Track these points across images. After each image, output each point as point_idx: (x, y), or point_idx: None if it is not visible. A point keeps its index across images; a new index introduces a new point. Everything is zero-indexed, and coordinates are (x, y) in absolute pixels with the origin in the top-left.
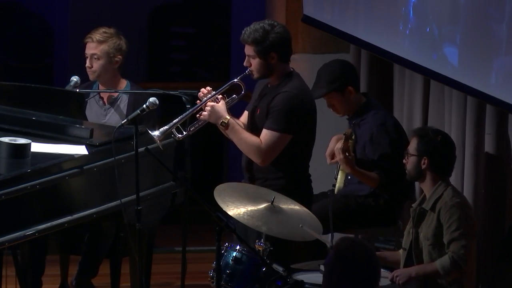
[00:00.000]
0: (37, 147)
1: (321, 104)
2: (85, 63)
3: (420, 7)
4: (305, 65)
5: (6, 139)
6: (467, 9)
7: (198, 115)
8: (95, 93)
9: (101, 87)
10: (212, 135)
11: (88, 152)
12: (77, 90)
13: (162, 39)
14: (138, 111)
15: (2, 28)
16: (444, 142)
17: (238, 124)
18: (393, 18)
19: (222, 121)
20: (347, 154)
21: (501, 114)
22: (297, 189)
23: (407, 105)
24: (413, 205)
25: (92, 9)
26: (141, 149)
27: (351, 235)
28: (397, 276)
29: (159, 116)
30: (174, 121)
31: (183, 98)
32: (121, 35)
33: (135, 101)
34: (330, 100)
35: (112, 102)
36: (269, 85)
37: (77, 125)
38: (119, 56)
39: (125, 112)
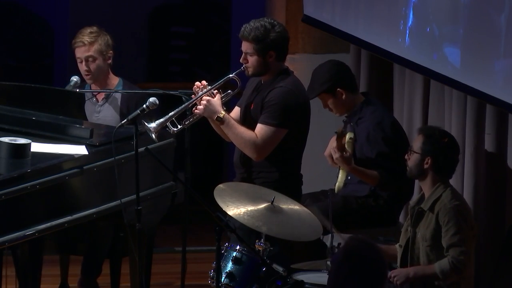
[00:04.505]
0: (37, 147)
1: (320, 105)
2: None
3: (420, 7)
4: (305, 65)
5: (6, 139)
6: (467, 9)
7: (193, 109)
8: (92, 95)
9: (93, 86)
10: (212, 135)
11: (88, 152)
12: (77, 90)
13: (162, 39)
14: (138, 111)
15: (2, 28)
16: (450, 145)
17: (234, 119)
18: (393, 18)
19: (218, 116)
20: (344, 152)
21: (501, 114)
22: (289, 184)
23: (407, 105)
24: (410, 202)
25: (92, 9)
26: (141, 149)
27: (351, 235)
28: (394, 276)
29: (159, 116)
30: (170, 114)
31: (183, 98)
32: (104, 30)
33: (129, 97)
34: (323, 101)
35: (106, 97)
36: (262, 81)
37: (77, 125)
38: (110, 52)
39: (119, 108)
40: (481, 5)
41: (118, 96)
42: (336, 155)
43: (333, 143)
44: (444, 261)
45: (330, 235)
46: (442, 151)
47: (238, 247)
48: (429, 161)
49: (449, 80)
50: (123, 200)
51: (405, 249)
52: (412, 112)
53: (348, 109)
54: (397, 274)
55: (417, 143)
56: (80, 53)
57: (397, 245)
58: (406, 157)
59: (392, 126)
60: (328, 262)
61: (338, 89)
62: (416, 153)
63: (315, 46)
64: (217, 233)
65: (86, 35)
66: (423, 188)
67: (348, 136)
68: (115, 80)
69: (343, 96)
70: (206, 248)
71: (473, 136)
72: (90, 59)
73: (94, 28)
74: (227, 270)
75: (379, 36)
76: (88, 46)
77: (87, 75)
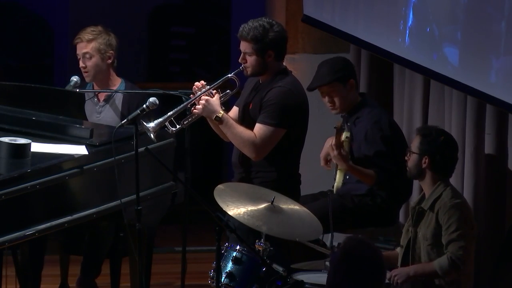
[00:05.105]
0: (37, 147)
1: (320, 104)
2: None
3: (420, 7)
4: (305, 65)
5: (6, 139)
6: (467, 9)
7: (192, 109)
8: (93, 94)
9: (95, 86)
10: (212, 135)
11: (88, 152)
12: (77, 90)
13: (162, 39)
14: (138, 111)
15: (2, 28)
16: (446, 143)
17: (232, 119)
18: (393, 18)
19: (216, 116)
20: (341, 150)
21: (501, 114)
22: (287, 183)
23: (407, 105)
24: (411, 202)
25: (92, 9)
26: (141, 149)
27: (350, 235)
28: (395, 276)
29: (158, 116)
30: (169, 113)
31: (183, 98)
32: (109, 31)
33: (130, 98)
34: (331, 91)
35: (107, 99)
36: (261, 81)
37: (77, 125)
38: (111, 52)
39: (120, 109)
40: (480, 5)
41: (119, 97)
42: (334, 153)
43: (328, 144)
44: (443, 258)
45: (330, 234)
46: (438, 150)
47: (238, 247)
48: (427, 160)
49: (449, 80)
50: (123, 200)
51: (406, 249)
52: (412, 112)
53: (348, 106)
54: (397, 273)
55: (415, 143)
56: (79, 49)
57: (398, 248)
58: (406, 158)
59: (390, 125)
60: (327, 263)
61: (352, 80)
62: (414, 153)
63: (315, 46)
64: (217, 233)
65: (87, 33)
66: (424, 188)
67: (344, 135)
68: (117, 81)
69: (352, 89)
70: (206, 248)
71: (473, 136)
72: (87, 55)
73: (98, 27)
74: (227, 270)
75: (379, 36)
76: (86, 43)
77: (84, 72)
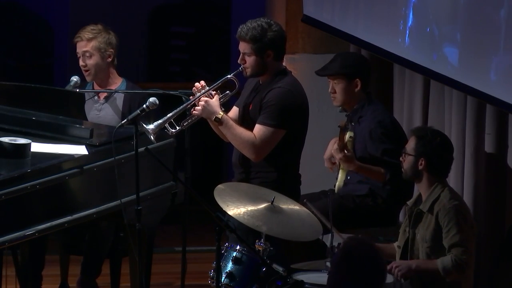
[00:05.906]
0: (37, 147)
1: (321, 105)
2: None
3: (420, 7)
4: (305, 65)
5: (6, 139)
6: (467, 9)
7: (192, 110)
8: (93, 94)
9: (95, 85)
10: (212, 135)
11: (88, 152)
12: (77, 90)
13: (162, 39)
14: (138, 111)
15: (2, 28)
16: (443, 144)
17: (232, 120)
18: (393, 18)
19: (216, 117)
20: (345, 151)
21: (501, 114)
22: (287, 184)
23: (407, 105)
24: (408, 202)
25: (92, 9)
26: (141, 149)
27: (350, 235)
28: (396, 267)
29: (158, 116)
30: (168, 115)
31: (183, 98)
32: (109, 29)
33: (131, 98)
34: (335, 83)
35: (108, 97)
36: (261, 82)
37: (77, 125)
38: (111, 50)
39: (120, 108)
40: (480, 5)
41: (120, 96)
42: (339, 155)
43: (332, 145)
44: (447, 259)
45: (330, 234)
46: (435, 152)
47: (238, 247)
48: (423, 162)
49: (449, 80)
50: (123, 200)
51: (404, 250)
52: (412, 112)
53: (350, 102)
54: (399, 265)
55: (410, 144)
56: (79, 48)
57: (395, 244)
58: (401, 159)
59: (392, 124)
60: (328, 263)
61: (357, 79)
62: (410, 155)
63: (315, 46)
64: (217, 233)
65: (86, 31)
66: (420, 189)
67: (348, 135)
68: (118, 80)
69: (357, 88)
70: (206, 248)
71: (473, 136)
72: (87, 54)
73: (98, 26)
74: (227, 270)
75: (379, 36)
76: (86, 41)
77: (85, 71)
